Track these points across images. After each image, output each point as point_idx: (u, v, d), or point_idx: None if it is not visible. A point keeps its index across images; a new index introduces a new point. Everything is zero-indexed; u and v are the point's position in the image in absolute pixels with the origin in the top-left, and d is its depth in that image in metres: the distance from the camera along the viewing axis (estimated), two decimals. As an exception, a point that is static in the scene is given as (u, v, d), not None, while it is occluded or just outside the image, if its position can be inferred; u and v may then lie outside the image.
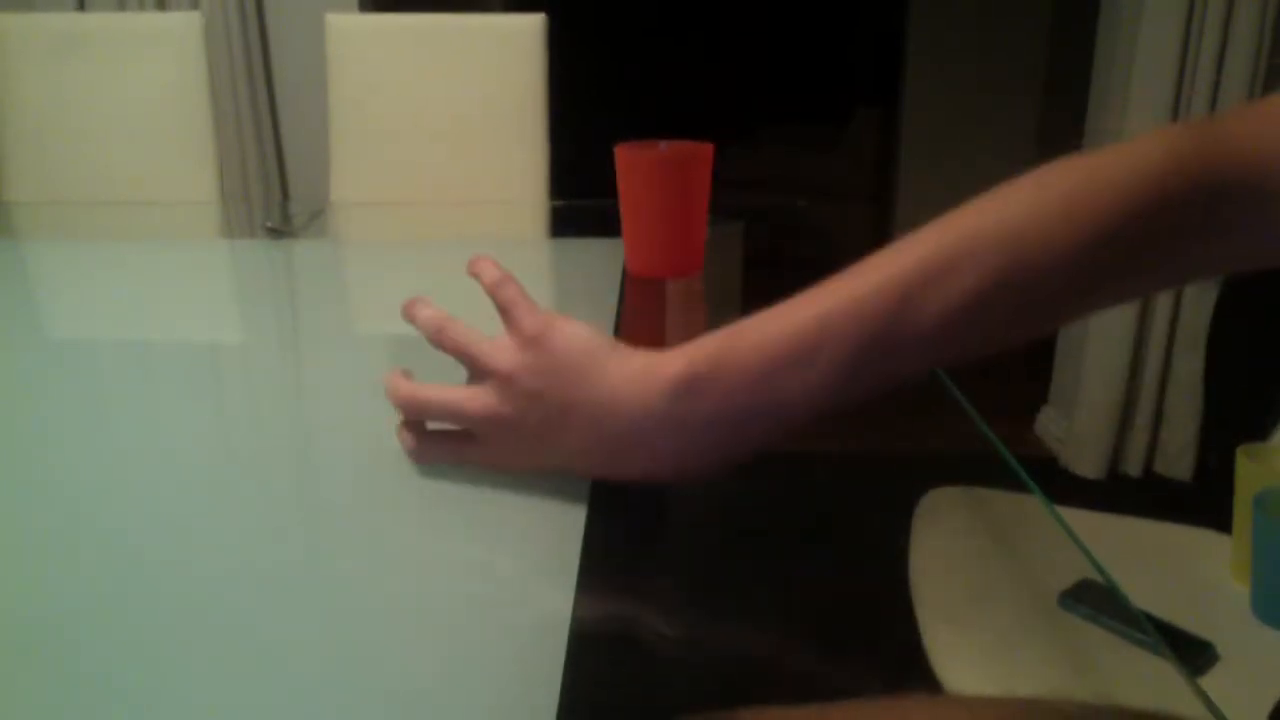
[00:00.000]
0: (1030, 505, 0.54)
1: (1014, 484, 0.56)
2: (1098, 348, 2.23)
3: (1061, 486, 2.24)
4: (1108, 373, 2.22)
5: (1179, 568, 1.02)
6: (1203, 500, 2.07)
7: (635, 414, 0.49)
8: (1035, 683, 0.42)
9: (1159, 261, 0.47)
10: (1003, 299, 0.46)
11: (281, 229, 1.24)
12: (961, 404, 0.67)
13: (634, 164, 0.93)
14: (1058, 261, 0.46)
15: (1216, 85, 1.99)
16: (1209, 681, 0.84)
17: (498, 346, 0.53)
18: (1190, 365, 2.16)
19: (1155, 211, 0.45)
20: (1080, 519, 1.04)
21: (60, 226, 1.37)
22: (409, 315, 0.58)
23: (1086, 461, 2.28)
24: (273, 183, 2.45)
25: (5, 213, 1.47)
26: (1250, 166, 0.45)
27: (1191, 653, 0.85)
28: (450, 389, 0.55)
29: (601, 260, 1.03)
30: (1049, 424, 2.48)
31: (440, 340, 0.55)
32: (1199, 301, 2.12)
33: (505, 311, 0.55)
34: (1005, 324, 0.48)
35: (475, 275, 0.58)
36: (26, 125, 1.63)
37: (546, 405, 0.51)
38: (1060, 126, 3.44)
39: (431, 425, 0.57)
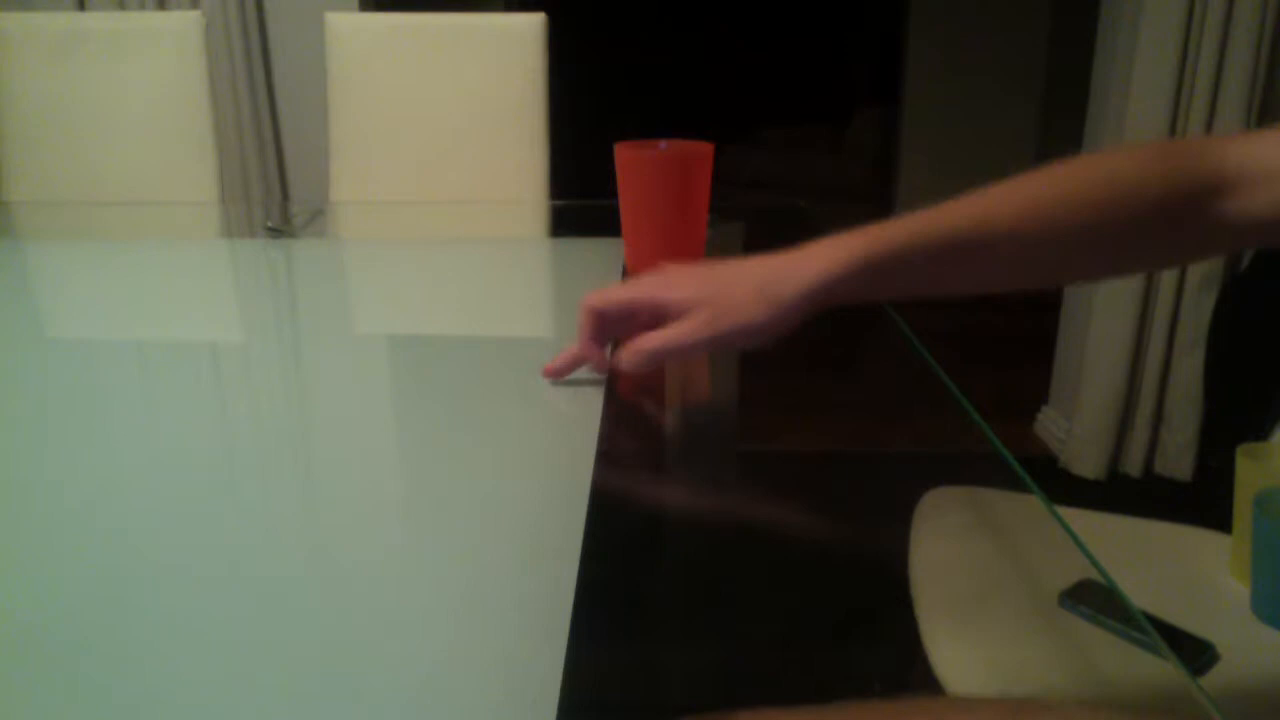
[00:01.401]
0: (1030, 505, 0.54)
1: (1014, 484, 0.56)
2: (1098, 348, 2.23)
3: (1061, 486, 2.24)
4: (1108, 373, 2.22)
5: (1179, 568, 1.02)
6: (1203, 500, 2.07)
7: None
8: (1035, 683, 0.42)
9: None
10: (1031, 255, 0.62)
11: (281, 229, 1.24)
12: (962, 404, 0.67)
13: (634, 163, 0.93)
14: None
15: (1216, 85, 1.99)
16: (1209, 681, 0.84)
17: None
18: (1190, 365, 2.16)
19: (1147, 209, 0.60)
20: (1080, 519, 1.04)
21: (60, 226, 1.37)
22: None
23: (1086, 461, 2.28)
24: (273, 183, 2.45)
25: (5, 213, 1.47)
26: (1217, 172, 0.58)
27: (1191, 653, 0.85)
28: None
29: (601, 260, 1.03)
30: (1049, 424, 2.48)
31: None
32: (1199, 301, 2.12)
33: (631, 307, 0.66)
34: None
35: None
36: (26, 125, 1.63)
37: (715, 267, 0.65)
38: (1060, 126, 3.43)
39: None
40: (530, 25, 1.60)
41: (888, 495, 0.57)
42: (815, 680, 0.41)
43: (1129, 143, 0.59)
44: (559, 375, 0.69)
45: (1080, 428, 2.29)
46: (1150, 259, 0.68)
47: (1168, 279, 2.13)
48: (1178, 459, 2.22)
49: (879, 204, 3.96)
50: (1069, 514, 0.52)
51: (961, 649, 0.43)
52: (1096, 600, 0.46)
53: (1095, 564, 0.48)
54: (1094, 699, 0.41)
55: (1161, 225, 0.60)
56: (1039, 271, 0.64)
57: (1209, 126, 2.01)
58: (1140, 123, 2.06)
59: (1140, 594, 0.46)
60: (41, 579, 0.46)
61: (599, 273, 0.99)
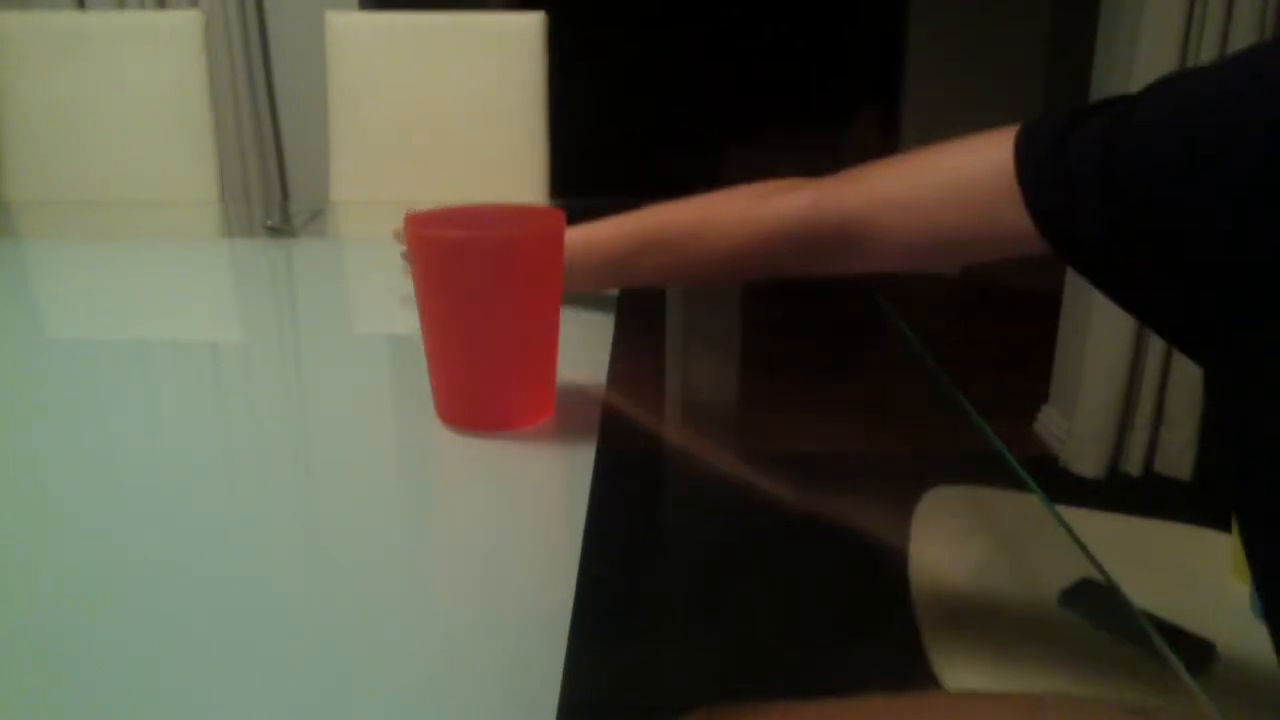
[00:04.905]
0: (1030, 505, 0.54)
1: (1014, 484, 0.56)
2: (1098, 348, 2.23)
3: (1061, 486, 2.24)
4: (1108, 373, 2.21)
5: (1179, 567, 1.02)
6: (1203, 500, 2.07)
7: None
8: (1035, 683, 0.42)
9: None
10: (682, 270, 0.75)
11: (281, 228, 1.24)
12: (962, 404, 0.67)
13: (422, 246, 0.57)
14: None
15: (1216, 85, 1.99)
16: (1209, 681, 0.84)
17: None
18: (1190, 365, 2.16)
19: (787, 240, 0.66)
20: (1080, 519, 1.04)
21: (60, 226, 1.37)
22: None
23: (1086, 461, 2.28)
24: (273, 183, 2.45)
25: (5, 213, 1.47)
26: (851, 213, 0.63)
27: (1191, 653, 0.85)
28: None
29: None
30: (1049, 424, 2.48)
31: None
32: (1199, 301, 2.12)
33: None
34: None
35: None
36: (26, 125, 1.63)
37: None
38: (1060, 126, 3.43)
39: None
40: (530, 25, 1.60)
41: (888, 495, 0.57)
42: (815, 680, 0.41)
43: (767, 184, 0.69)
44: None
45: (1080, 427, 2.29)
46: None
47: (1168, 279, 2.13)
48: (1178, 459, 2.22)
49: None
50: (1069, 514, 0.52)
51: (961, 649, 0.43)
52: (1096, 600, 0.46)
53: (1095, 564, 0.48)
54: (1094, 699, 0.41)
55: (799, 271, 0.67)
56: (703, 276, 0.76)
57: (1209, 126, 2.01)
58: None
59: (1140, 594, 0.46)
60: (40, 578, 0.46)
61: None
